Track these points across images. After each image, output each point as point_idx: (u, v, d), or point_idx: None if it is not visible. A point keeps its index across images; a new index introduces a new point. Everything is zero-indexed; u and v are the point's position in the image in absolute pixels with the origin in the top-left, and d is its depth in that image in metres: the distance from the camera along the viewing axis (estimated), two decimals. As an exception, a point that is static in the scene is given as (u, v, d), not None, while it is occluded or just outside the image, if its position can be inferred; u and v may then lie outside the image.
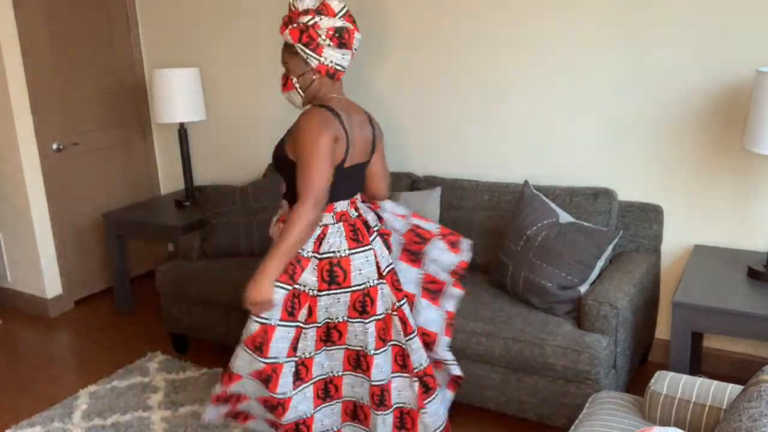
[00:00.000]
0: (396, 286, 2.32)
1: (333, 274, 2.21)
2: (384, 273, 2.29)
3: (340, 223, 2.25)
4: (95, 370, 3.45)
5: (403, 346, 2.30)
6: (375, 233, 2.33)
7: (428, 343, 2.42)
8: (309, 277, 2.21)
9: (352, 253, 2.23)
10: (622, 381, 2.67)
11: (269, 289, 2.12)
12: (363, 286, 2.24)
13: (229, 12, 4.00)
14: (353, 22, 2.26)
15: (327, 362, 2.30)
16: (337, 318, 2.25)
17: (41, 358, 3.59)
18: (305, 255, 2.21)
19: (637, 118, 3.02)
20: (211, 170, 4.37)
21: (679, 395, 1.95)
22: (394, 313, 2.29)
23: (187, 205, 3.98)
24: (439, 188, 3.27)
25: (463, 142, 3.45)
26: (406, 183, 3.46)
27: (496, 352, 2.63)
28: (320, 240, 2.22)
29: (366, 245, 2.26)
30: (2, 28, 3.66)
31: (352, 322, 2.25)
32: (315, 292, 2.21)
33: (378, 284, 2.26)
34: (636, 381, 3.08)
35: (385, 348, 2.27)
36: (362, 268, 2.24)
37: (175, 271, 3.40)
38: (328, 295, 2.22)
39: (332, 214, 2.25)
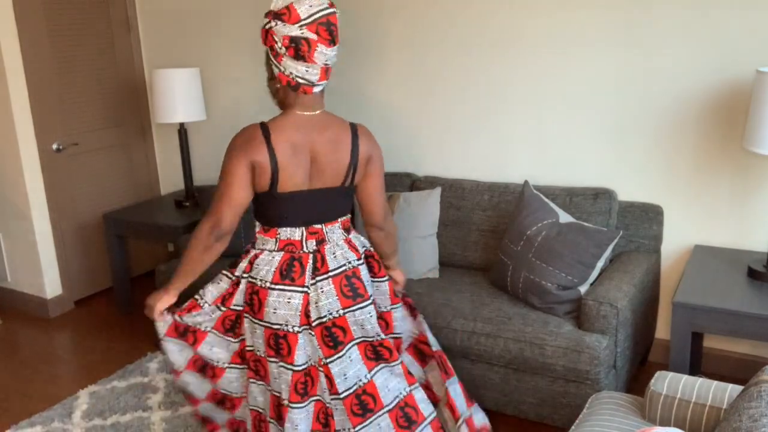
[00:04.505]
0: (327, 342, 2.09)
1: (252, 300, 2.11)
2: (313, 323, 2.09)
3: (280, 253, 2.09)
4: (95, 370, 3.45)
5: (328, 405, 2.13)
6: (326, 277, 2.10)
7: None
8: (239, 297, 2.17)
9: (272, 288, 2.07)
10: (622, 381, 2.67)
11: (162, 300, 2.16)
12: (278, 326, 2.07)
13: (229, 12, 4.00)
14: (326, 32, 1.96)
15: (260, 398, 2.20)
16: (258, 351, 2.14)
17: (41, 358, 3.59)
18: (238, 275, 2.17)
19: (637, 118, 3.02)
20: (211, 170, 4.37)
21: (679, 395, 1.95)
22: (320, 368, 2.11)
23: (187, 205, 3.98)
24: (439, 188, 3.28)
25: (463, 142, 3.45)
26: (406, 183, 3.47)
27: (496, 352, 2.63)
28: (251, 263, 2.14)
29: (296, 285, 2.07)
30: (2, 28, 3.66)
31: (270, 361, 2.12)
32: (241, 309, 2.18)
33: (299, 332, 2.07)
34: (636, 381, 3.08)
35: (304, 403, 2.11)
36: (278, 308, 2.06)
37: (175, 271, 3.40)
38: (247, 319, 2.15)
39: (275, 240, 2.10)
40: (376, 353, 2.17)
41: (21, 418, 3.05)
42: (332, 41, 1.98)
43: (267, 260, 2.10)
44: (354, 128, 2.13)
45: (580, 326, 2.61)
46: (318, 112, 2.09)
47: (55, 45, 3.93)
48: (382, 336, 2.17)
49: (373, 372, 2.16)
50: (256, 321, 2.11)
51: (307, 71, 1.98)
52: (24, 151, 3.84)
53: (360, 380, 2.13)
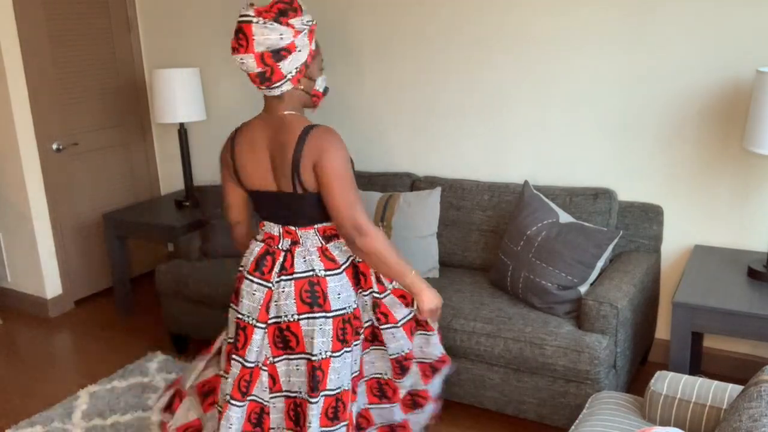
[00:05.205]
0: (277, 344, 2.09)
1: (237, 289, 2.20)
2: (269, 321, 2.10)
3: (260, 244, 2.14)
4: (95, 370, 3.45)
5: (266, 404, 2.14)
6: (290, 278, 2.07)
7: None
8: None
9: (246, 277, 2.13)
10: (622, 381, 2.67)
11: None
12: (242, 317, 2.15)
13: (229, 12, 3.99)
14: (234, 39, 1.96)
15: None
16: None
17: (41, 358, 3.59)
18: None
19: (638, 118, 3.02)
20: (211, 170, 4.37)
21: (679, 395, 1.95)
22: (265, 367, 2.12)
23: (187, 205, 3.98)
24: (439, 188, 3.27)
25: (463, 142, 3.45)
26: (406, 183, 3.47)
27: (496, 352, 2.63)
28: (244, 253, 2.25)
29: (263, 280, 2.09)
30: (2, 28, 3.66)
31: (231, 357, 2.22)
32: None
33: (257, 327, 2.09)
34: (636, 381, 3.08)
35: (242, 403, 2.11)
36: (245, 298, 2.12)
37: (175, 271, 3.40)
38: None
39: (262, 231, 2.16)
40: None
41: (21, 418, 3.05)
42: (235, 49, 1.96)
43: (251, 249, 2.16)
44: (306, 130, 1.99)
45: (580, 326, 2.61)
46: (278, 114, 2.05)
47: (55, 45, 3.93)
48: (320, 357, 2.05)
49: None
50: (235, 309, 2.17)
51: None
52: (24, 151, 3.84)
53: (302, 392, 2.11)
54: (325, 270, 2.08)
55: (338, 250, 2.12)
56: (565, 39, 3.08)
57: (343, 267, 2.11)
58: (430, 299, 2.13)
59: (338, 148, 1.97)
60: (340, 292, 2.08)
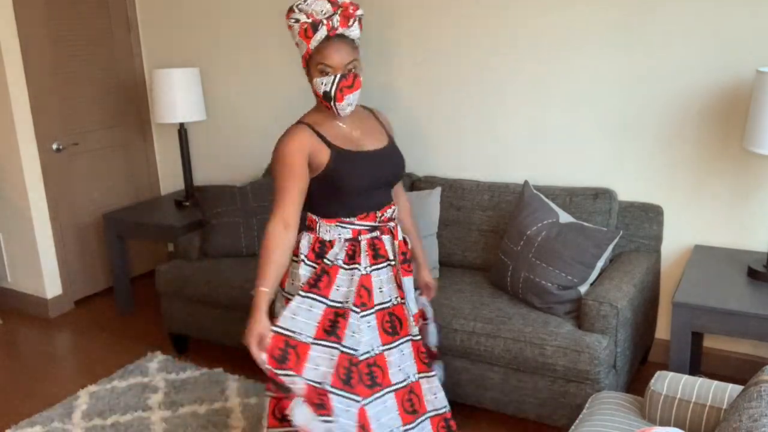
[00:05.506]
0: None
1: None
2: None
3: None
4: (95, 370, 3.45)
5: None
6: None
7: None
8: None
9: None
10: (622, 381, 2.67)
11: None
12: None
13: (229, 12, 4.00)
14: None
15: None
16: None
17: (41, 358, 3.59)
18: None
19: (638, 118, 3.02)
20: (211, 170, 4.37)
21: (679, 395, 1.95)
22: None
23: (187, 205, 3.98)
24: (439, 188, 3.27)
25: (463, 142, 3.45)
26: (406, 183, 3.47)
27: (496, 352, 2.63)
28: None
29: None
30: (2, 28, 3.66)
31: None
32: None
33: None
34: (636, 381, 3.08)
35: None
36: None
37: (175, 271, 3.40)
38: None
39: None
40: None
41: (21, 418, 3.05)
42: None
43: None
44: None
45: (580, 326, 2.61)
46: None
47: (55, 45, 3.93)
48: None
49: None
50: None
51: None
52: (24, 151, 3.84)
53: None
54: (293, 255, 2.19)
55: (304, 240, 2.19)
56: (565, 39, 3.08)
57: (301, 258, 2.16)
58: (249, 329, 2.00)
59: (277, 149, 2.10)
60: (294, 279, 2.18)
